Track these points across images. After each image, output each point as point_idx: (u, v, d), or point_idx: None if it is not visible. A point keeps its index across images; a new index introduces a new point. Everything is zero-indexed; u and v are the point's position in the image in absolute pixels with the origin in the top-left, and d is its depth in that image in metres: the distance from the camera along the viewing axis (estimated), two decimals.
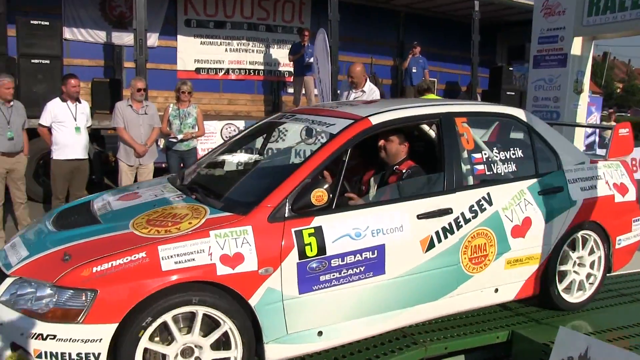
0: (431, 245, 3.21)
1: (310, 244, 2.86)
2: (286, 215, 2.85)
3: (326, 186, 2.90)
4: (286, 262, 2.80)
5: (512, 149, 3.68)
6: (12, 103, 5.73)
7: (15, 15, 8.01)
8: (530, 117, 3.86)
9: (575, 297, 3.84)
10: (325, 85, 8.40)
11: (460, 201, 3.32)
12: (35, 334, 2.43)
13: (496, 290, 3.56)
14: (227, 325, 2.72)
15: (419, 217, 3.17)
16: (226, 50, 11.77)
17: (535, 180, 3.65)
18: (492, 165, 3.55)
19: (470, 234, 3.34)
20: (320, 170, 3.04)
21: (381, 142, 3.60)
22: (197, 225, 2.75)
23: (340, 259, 2.94)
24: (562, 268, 3.77)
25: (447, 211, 3.25)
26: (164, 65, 10.89)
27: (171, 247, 2.61)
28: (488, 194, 3.43)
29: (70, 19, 10.06)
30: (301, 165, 3.01)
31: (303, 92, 10.66)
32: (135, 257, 2.55)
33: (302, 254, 2.83)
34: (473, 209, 3.35)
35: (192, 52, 11.43)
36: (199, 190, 3.24)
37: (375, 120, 3.26)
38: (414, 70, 11.67)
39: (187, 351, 2.69)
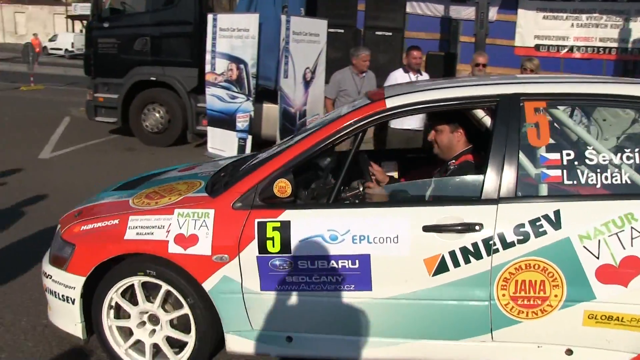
0: (442, 268, 2.44)
1: (272, 238, 2.56)
2: (254, 203, 2.62)
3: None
4: (245, 254, 2.58)
5: (631, 149, 2.41)
6: (364, 74, 6.16)
7: None
8: None
9: None
10: None
11: (501, 216, 2.40)
12: (46, 272, 2.95)
13: (569, 352, 2.46)
14: (185, 308, 2.72)
15: (426, 228, 2.44)
16: (572, 25, 10.43)
17: None
18: (579, 171, 2.42)
19: (514, 264, 2.39)
20: (308, 157, 2.65)
21: (431, 135, 2.88)
22: (172, 202, 2.79)
23: (308, 262, 2.54)
24: None
25: (472, 227, 2.40)
26: (500, 40, 10.32)
27: (139, 218, 2.74)
28: (556, 213, 2.36)
29: None
30: (284, 150, 2.68)
31: None
32: (111, 222, 2.78)
33: (262, 248, 2.56)
34: (522, 229, 2.38)
35: (532, 27, 10.53)
36: (228, 169, 3.23)
37: (391, 102, 2.62)
38: None
39: (152, 319, 2.82)
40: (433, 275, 2.46)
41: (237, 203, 2.63)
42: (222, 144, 7.74)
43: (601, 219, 2.34)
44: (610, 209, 2.35)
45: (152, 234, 2.68)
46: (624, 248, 2.32)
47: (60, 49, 34.64)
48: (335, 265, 2.52)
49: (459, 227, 2.41)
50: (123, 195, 3.10)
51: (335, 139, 2.63)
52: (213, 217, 2.65)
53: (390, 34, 8.13)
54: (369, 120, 2.62)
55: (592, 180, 2.41)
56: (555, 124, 2.49)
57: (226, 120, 7.66)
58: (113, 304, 2.82)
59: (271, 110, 7.70)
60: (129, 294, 2.82)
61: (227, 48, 7.43)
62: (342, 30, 8.14)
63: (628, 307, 2.36)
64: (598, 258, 2.34)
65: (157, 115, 8.82)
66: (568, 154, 2.43)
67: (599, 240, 2.33)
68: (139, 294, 2.77)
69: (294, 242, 2.54)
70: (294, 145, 2.69)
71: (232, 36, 7.37)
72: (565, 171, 2.42)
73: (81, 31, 40.12)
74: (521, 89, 2.55)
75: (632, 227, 2.32)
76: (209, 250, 2.62)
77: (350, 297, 2.55)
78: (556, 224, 2.36)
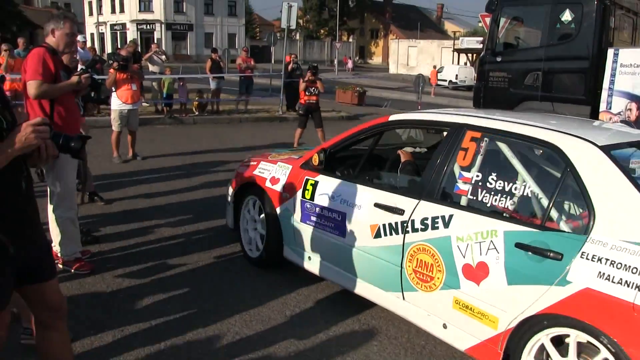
0: (378, 235, 3.48)
1: (308, 190, 4.04)
2: (308, 167, 4.12)
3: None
4: (297, 195, 4.14)
5: (523, 184, 2.90)
6: None
7: None
8: (585, 154, 2.71)
9: None
10: None
11: (418, 208, 3.27)
12: (228, 187, 5.11)
13: (445, 327, 3.16)
14: (264, 230, 4.45)
15: (375, 205, 3.50)
16: None
17: (524, 228, 2.79)
18: (479, 190, 3.05)
19: (415, 245, 3.25)
20: (342, 145, 3.97)
21: None
22: (282, 158, 4.52)
23: (321, 209, 3.92)
24: None
25: (398, 210, 3.35)
26: None
27: (264, 163, 4.59)
28: (450, 216, 3.10)
29: None
30: (332, 138, 4.06)
31: None
32: (254, 163, 4.72)
33: (303, 195, 4.08)
34: (425, 221, 3.21)
35: None
36: None
37: (392, 117, 3.70)
38: None
39: (261, 225, 4.65)
40: (374, 238, 3.51)
41: (303, 165, 4.19)
42: None
43: (474, 229, 2.97)
44: (483, 223, 2.95)
45: (263, 173, 4.50)
46: (480, 255, 2.91)
47: (445, 80, 35.61)
48: (330, 215, 3.83)
49: (391, 209, 3.40)
50: (276, 151, 4.98)
51: (355, 137, 3.91)
52: (289, 170, 4.28)
53: None
54: (378, 127, 3.78)
55: (485, 198, 3.02)
56: (483, 152, 3.14)
57: None
58: (247, 206, 4.76)
59: None
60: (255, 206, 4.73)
61: (627, 86, 6.91)
62: None
63: (477, 302, 2.94)
64: (464, 257, 2.99)
65: None
66: (477, 175, 3.09)
67: (467, 244, 2.98)
68: (257, 207, 4.64)
69: (316, 195, 3.96)
70: (335, 136, 4.05)
71: (635, 73, 6.83)
72: (470, 187, 3.10)
73: (465, 64, 41.66)
74: (471, 121, 3.27)
75: (491, 241, 2.88)
76: (281, 188, 4.27)
77: (335, 239, 3.82)
78: (446, 224, 3.10)
